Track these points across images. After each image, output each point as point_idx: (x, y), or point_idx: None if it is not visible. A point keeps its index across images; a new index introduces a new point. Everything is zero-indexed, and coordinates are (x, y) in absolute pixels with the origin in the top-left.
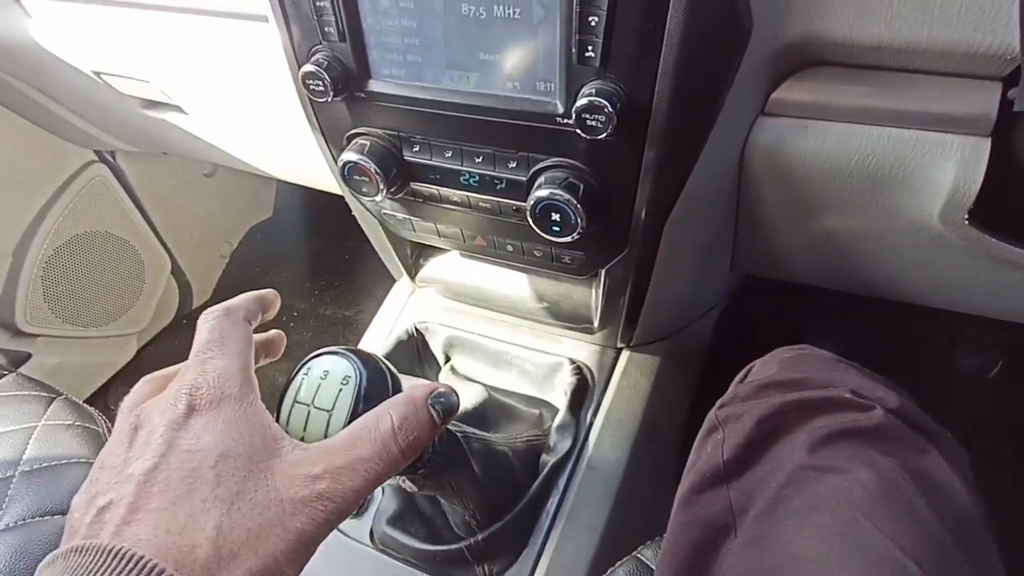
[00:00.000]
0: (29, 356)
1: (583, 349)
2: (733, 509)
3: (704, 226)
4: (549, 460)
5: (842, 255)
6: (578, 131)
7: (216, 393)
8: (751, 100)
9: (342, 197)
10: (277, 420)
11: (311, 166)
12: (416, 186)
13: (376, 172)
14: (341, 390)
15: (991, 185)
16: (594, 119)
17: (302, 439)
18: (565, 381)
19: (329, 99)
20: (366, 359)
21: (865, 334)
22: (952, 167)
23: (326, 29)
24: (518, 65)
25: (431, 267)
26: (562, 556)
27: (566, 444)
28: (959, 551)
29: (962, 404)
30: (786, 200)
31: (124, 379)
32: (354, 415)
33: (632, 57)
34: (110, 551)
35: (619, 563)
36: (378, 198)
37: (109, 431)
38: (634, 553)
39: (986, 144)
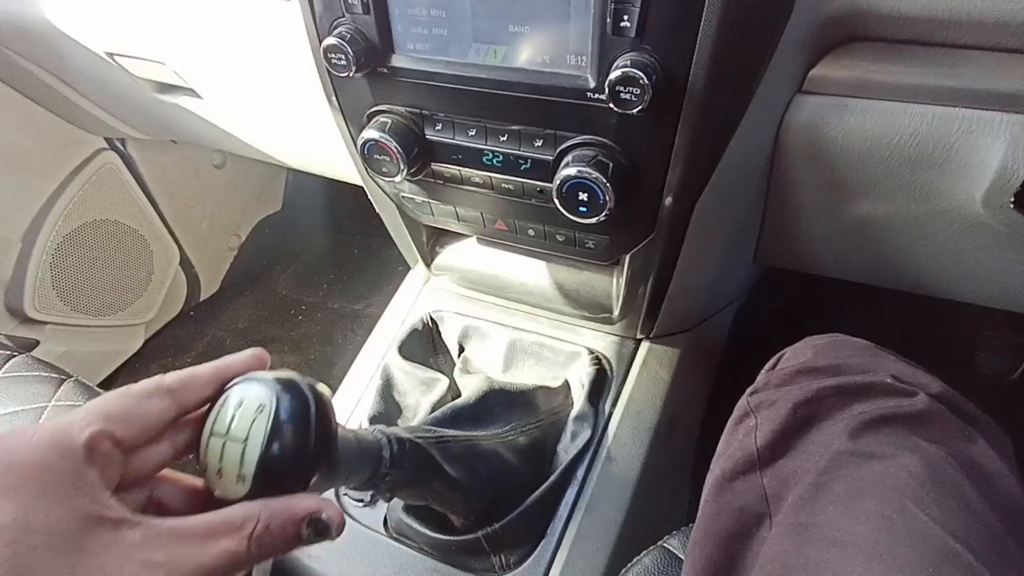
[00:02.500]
0: (37, 343)
1: (601, 340)
2: (767, 497)
3: (734, 210)
4: (568, 450)
5: (874, 244)
6: (611, 105)
7: (35, 459)
8: (789, 76)
9: (352, 190)
10: (197, 456)
11: (326, 152)
12: (437, 167)
13: (397, 150)
14: (255, 420)
15: None
16: (628, 92)
17: (219, 471)
18: (583, 371)
19: (351, 74)
20: (287, 385)
21: (885, 334)
22: (1000, 147)
23: (349, 1)
24: (549, 37)
25: (447, 254)
26: (581, 546)
27: (585, 435)
28: (1011, 540)
29: (983, 406)
30: (820, 183)
31: (131, 369)
32: (269, 445)
33: (670, 27)
34: None
35: (645, 552)
36: (398, 179)
37: None
38: (660, 542)
39: None
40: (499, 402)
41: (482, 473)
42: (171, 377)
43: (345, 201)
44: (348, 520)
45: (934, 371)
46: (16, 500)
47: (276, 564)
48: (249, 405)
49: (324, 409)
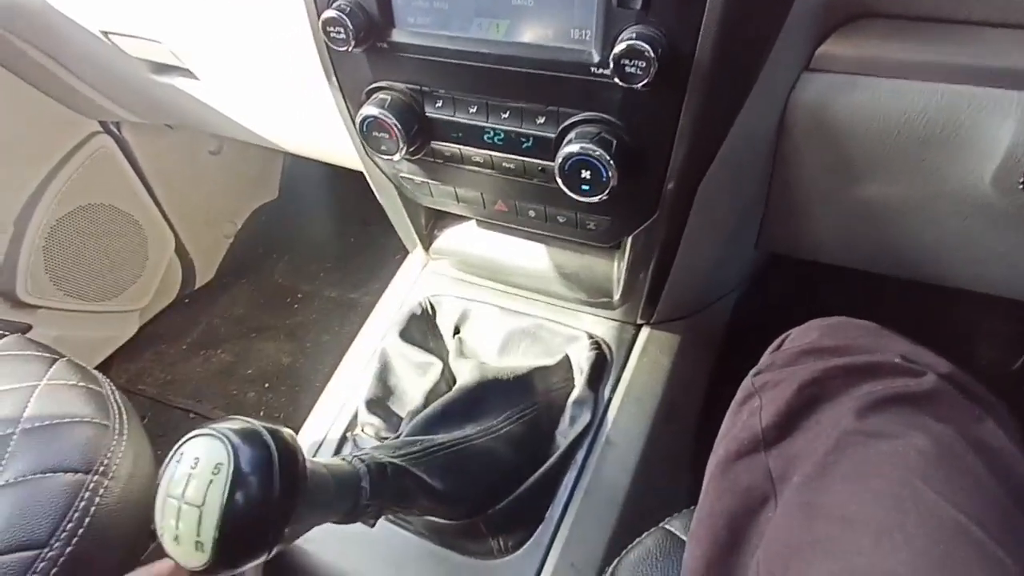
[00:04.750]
0: (29, 327)
1: (601, 325)
2: (772, 477)
3: (738, 192)
4: (567, 435)
5: (879, 228)
6: (616, 79)
7: None
8: (797, 54)
9: (350, 177)
10: (155, 521)
11: (324, 134)
12: (437, 145)
13: (396, 127)
14: (212, 481)
15: None
16: (634, 65)
17: (176, 538)
18: (583, 355)
19: (350, 48)
20: (246, 437)
21: (885, 323)
22: (1010, 126)
23: None
24: (552, 11)
25: (446, 237)
26: (580, 530)
27: (584, 419)
28: (1022, 517)
29: None
30: (826, 163)
31: (125, 355)
32: (227, 508)
33: (676, 0)
34: None
35: (646, 534)
36: (396, 157)
37: (113, 393)
38: (662, 524)
39: None
40: (493, 390)
41: (474, 474)
42: None
43: (342, 189)
44: None
45: None
46: None
47: None
48: (205, 464)
49: (288, 458)
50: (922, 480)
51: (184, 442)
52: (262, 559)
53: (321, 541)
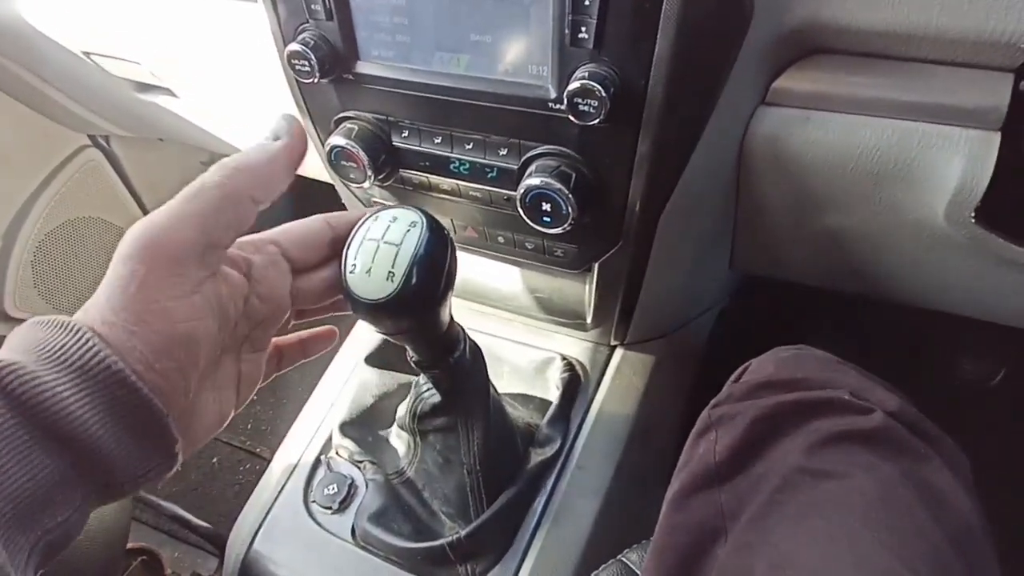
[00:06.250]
0: None
1: (575, 346)
2: (724, 513)
3: (701, 221)
4: (537, 458)
5: (843, 254)
6: (570, 116)
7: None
8: (751, 89)
9: (334, 187)
10: (344, 261)
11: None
12: (405, 173)
13: (363, 158)
14: (409, 230)
15: (1000, 182)
16: (586, 103)
17: (369, 271)
18: (556, 377)
19: (315, 80)
20: (430, 216)
21: (865, 339)
22: (959, 162)
23: (313, 7)
24: (510, 47)
25: None
26: (547, 557)
27: (555, 442)
28: (959, 561)
29: (963, 411)
30: (786, 195)
31: None
32: (422, 249)
33: (627, 39)
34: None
35: (603, 567)
36: (365, 185)
37: None
38: (619, 556)
39: (995, 138)
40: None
41: (500, 425)
42: (328, 216)
43: (329, 200)
44: (315, 528)
45: (915, 376)
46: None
47: (243, 570)
48: (402, 221)
49: (453, 250)
50: (861, 523)
51: (376, 211)
52: (427, 311)
53: (293, 566)
